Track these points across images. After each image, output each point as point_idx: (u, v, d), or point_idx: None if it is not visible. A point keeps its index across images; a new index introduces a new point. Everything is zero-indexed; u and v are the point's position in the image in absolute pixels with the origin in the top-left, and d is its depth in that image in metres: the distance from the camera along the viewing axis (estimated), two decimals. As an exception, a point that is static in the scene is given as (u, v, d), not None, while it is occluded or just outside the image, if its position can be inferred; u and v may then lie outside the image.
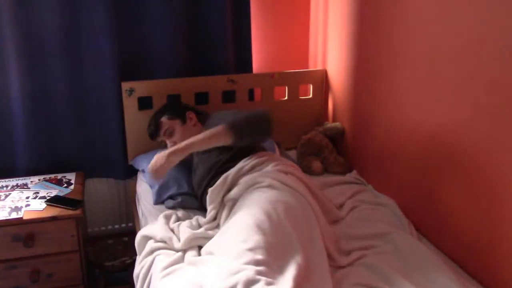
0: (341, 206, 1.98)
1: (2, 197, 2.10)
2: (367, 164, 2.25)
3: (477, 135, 1.53)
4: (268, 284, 1.25)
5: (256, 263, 1.32)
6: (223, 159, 1.87)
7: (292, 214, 1.54)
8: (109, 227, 2.64)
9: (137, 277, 1.66)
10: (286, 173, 1.75)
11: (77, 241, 2.04)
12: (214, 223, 1.74)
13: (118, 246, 2.32)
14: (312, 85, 2.61)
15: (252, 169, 1.80)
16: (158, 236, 1.67)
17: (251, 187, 1.68)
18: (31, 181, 2.27)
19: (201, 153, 1.95)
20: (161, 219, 1.79)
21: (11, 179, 2.29)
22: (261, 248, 1.37)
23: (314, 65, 2.71)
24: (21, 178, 2.30)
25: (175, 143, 2.00)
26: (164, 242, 1.66)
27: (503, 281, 1.47)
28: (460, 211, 1.63)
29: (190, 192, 2.01)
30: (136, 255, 1.75)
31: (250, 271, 1.27)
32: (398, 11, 1.90)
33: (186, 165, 2.12)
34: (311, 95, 2.62)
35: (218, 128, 1.75)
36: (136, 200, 2.27)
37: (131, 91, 2.31)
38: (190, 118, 2.11)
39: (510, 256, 1.43)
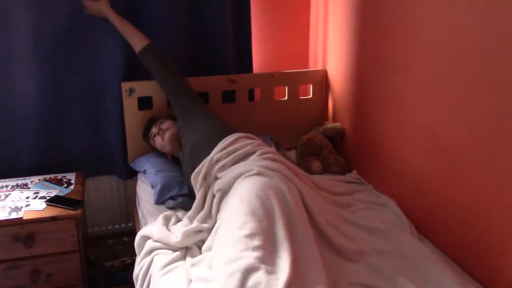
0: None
1: (2, 197, 2.10)
2: (367, 164, 2.24)
3: (478, 135, 1.53)
4: (269, 272, 1.27)
5: (254, 249, 1.34)
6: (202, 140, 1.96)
7: (282, 199, 1.57)
8: (109, 227, 2.64)
9: (137, 277, 1.66)
10: (272, 160, 1.77)
11: (77, 241, 2.04)
12: (204, 213, 1.75)
13: (118, 246, 2.32)
14: (312, 85, 2.60)
15: (234, 152, 1.83)
16: (156, 236, 1.68)
17: (241, 176, 1.69)
18: (31, 181, 2.27)
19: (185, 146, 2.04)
20: (160, 220, 1.79)
21: (11, 179, 2.29)
22: (257, 234, 1.39)
23: (314, 65, 2.71)
24: (21, 178, 2.30)
25: (160, 130, 2.18)
26: (162, 241, 1.66)
27: (503, 281, 1.47)
28: (460, 211, 1.63)
29: (191, 193, 2.01)
30: (136, 255, 1.75)
31: (249, 258, 1.29)
32: (398, 11, 1.90)
33: None
34: (311, 95, 2.62)
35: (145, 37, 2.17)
36: (136, 201, 2.27)
37: (131, 91, 2.31)
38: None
39: (510, 256, 1.43)
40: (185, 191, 2.03)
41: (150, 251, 1.65)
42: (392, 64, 1.97)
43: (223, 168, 1.80)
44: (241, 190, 1.60)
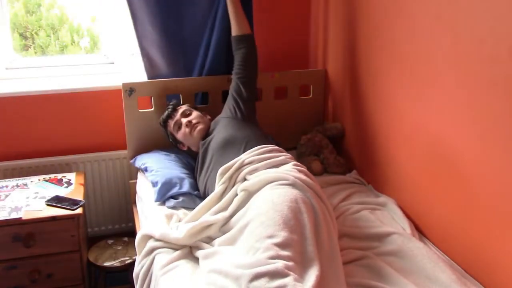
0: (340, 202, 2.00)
1: (2, 197, 2.10)
2: (367, 164, 2.25)
3: (476, 137, 1.53)
4: (296, 280, 1.27)
5: (284, 258, 1.34)
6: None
7: (313, 215, 1.56)
8: (109, 227, 2.64)
9: (137, 276, 1.66)
10: (306, 174, 1.74)
11: (77, 241, 2.04)
12: (219, 207, 1.71)
13: (118, 246, 2.32)
14: (312, 85, 2.60)
15: (268, 159, 1.80)
16: (157, 235, 1.67)
17: (273, 182, 1.66)
18: (31, 181, 2.27)
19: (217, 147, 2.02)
20: (161, 219, 1.79)
21: (11, 179, 2.29)
22: (289, 245, 1.39)
23: (314, 65, 2.71)
24: (21, 178, 2.30)
25: (189, 122, 2.13)
26: (164, 240, 1.66)
27: (503, 281, 1.47)
28: (460, 211, 1.63)
29: (191, 192, 2.02)
30: (136, 255, 1.75)
31: (279, 264, 1.29)
32: (399, 11, 1.90)
33: (190, 168, 2.14)
34: (311, 95, 2.62)
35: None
36: (137, 200, 2.27)
37: (131, 91, 2.31)
38: (206, 114, 2.27)
39: (510, 256, 1.44)
40: (186, 189, 2.01)
41: (151, 250, 1.65)
42: (393, 64, 1.97)
43: (255, 171, 1.77)
44: (274, 198, 1.56)
